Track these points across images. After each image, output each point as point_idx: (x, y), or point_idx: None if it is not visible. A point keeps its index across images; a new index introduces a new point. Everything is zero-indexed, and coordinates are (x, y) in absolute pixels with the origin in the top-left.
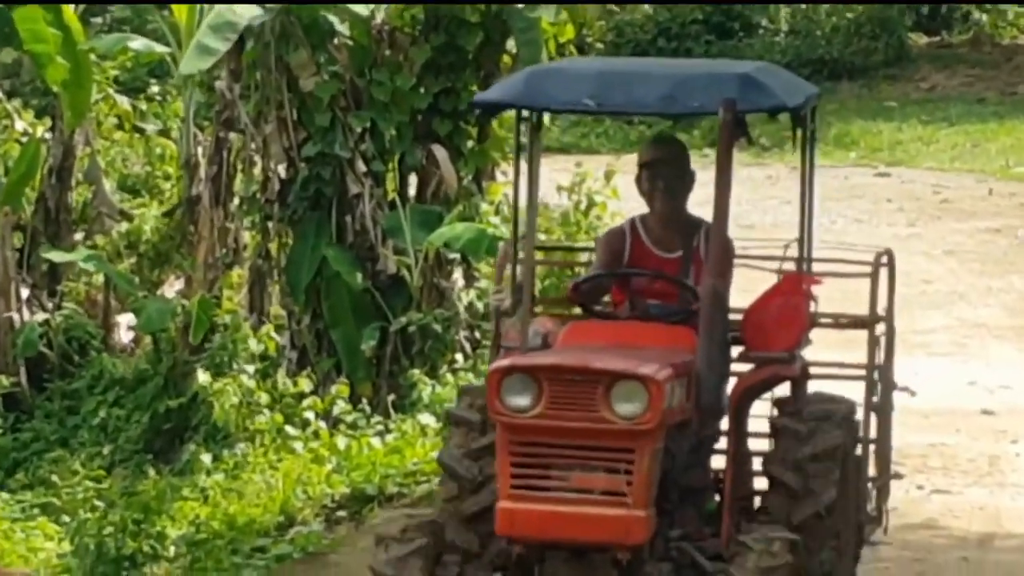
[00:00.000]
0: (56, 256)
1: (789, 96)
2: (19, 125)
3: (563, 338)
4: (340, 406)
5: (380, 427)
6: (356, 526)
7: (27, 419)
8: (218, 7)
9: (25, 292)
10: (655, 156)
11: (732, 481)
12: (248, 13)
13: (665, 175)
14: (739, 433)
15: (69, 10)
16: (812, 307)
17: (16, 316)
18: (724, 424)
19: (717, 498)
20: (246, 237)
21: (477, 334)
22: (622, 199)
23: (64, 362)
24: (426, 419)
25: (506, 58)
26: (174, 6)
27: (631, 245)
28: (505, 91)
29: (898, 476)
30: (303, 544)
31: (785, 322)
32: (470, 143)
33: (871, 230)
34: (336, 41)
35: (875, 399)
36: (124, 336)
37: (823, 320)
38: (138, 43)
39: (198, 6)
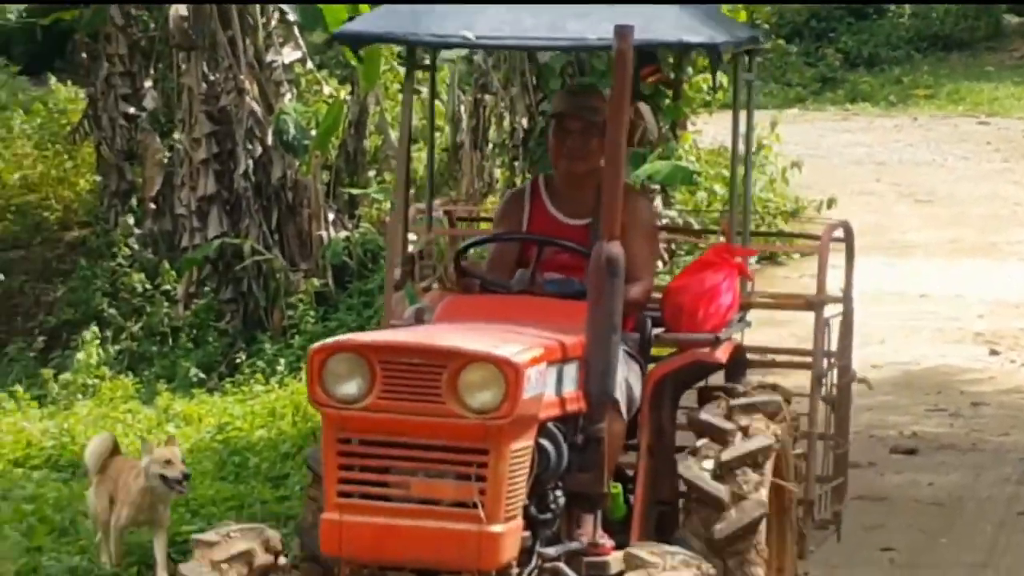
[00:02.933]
0: (355, 190)
1: (714, 31)
2: (326, 90)
3: (437, 314)
4: None
5: None
6: None
7: (333, 311)
8: None
9: (331, 215)
10: (565, 108)
11: (645, 483)
12: None
13: (575, 130)
14: (656, 427)
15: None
16: (748, 285)
17: (324, 234)
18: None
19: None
20: (497, 173)
21: (673, 246)
22: (783, 143)
23: (361, 268)
24: None
25: None
26: None
27: (531, 209)
28: (371, 23)
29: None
30: None
31: (710, 299)
32: (667, 100)
33: (974, 166)
34: None
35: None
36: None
37: (761, 300)
38: None
39: None
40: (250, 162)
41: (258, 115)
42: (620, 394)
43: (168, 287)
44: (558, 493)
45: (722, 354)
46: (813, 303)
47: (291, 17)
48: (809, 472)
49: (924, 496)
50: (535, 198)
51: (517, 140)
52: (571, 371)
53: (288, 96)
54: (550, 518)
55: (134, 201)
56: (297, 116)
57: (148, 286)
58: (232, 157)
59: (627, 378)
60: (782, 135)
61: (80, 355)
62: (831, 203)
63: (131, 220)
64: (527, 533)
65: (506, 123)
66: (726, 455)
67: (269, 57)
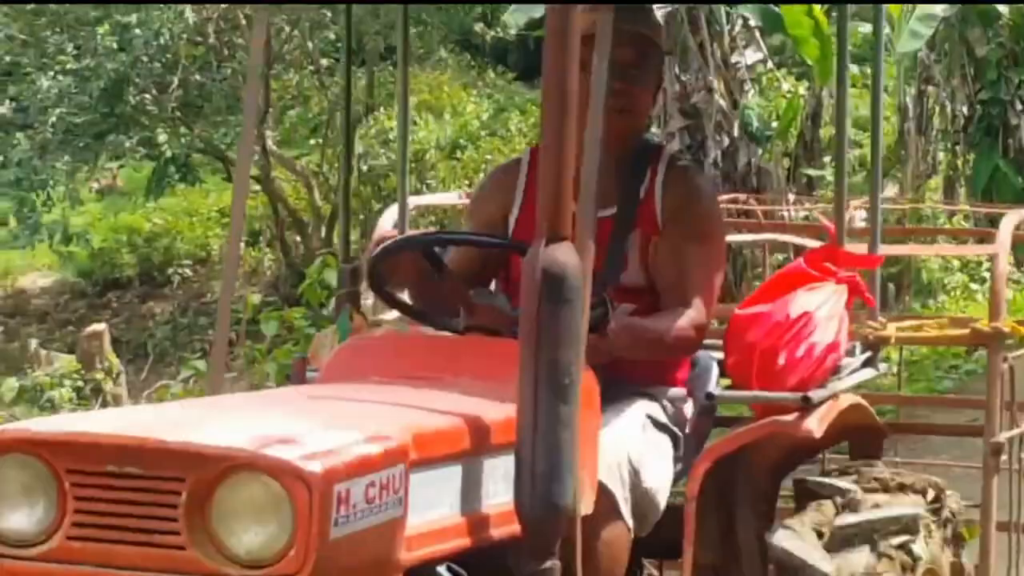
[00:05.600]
0: (812, 171)
1: None
2: (784, 86)
3: (324, 368)
4: None
5: None
6: None
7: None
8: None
9: (791, 196)
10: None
11: None
12: (941, 8)
13: (614, 63)
14: (719, 537)
15: (817, 7)
16: (871, 310)
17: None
18: None
19: None
20: (940, 156)
21: None
22: None
23: None
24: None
25: None
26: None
27: (525, 192)
28: None
29: None
30: None
31: (797, 337)
32: None
33: None
34: (1001, 21)
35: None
36: None
37: (901, 331)
38: (864, 28)
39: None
40: (719, 152)
41: (725, 110)
42: (618, 484)
43: None
44: None
45: (817, 423)
46: (986, 335)
47: (752, 22)
48: None
49: None
50: (533, 175)
51: (958, 127)
52: (502, 468)
53: (751, 92)
54: None
55: None
56: (760, 110)
57: None
58: (703, 147)
59: (632, 458)
60: None
61: None
62: None
63: None
64: None
65: (947, 111)
66: (842, 520)
67: (734, 59)
